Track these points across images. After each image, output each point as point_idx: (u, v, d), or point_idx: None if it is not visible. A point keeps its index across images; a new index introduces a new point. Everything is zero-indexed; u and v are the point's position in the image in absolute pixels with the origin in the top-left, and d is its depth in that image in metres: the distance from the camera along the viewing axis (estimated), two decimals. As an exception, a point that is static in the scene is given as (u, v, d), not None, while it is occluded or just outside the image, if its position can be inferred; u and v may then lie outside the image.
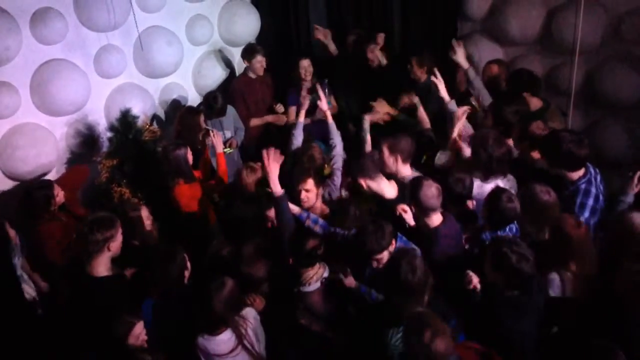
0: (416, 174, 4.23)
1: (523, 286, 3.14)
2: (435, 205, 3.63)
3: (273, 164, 3.83)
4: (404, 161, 4.26)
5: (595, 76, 5.93)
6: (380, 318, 3.15)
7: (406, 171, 4.27)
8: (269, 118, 6.29)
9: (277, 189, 3.82)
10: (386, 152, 4.25)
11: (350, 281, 3.50)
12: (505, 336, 3.12)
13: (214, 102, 5.59)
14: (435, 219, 3.66)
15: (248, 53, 6.16)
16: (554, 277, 3.39)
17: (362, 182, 4.11)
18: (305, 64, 6.06)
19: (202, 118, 5.36)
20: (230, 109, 5.88)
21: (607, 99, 5.86)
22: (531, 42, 6.18)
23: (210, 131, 5.14)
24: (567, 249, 3.37)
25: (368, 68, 6.04)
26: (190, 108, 5.62)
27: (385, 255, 3.43)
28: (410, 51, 6.08)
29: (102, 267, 3.62)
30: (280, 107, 6.24)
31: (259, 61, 6.10)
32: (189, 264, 3.59)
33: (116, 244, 3.66)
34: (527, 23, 6.06)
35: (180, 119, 5.44)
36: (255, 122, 6.20)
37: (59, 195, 4.50)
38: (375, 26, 6.58)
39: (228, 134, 5.81)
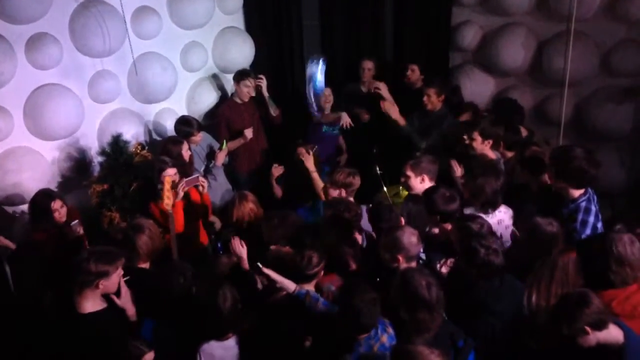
0: None
1: (495, 276, 3.34)
2: (419, 252, 3.61)
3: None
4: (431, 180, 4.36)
5: (584, 107, 6.02)
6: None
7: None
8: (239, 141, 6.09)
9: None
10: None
11: None
12: (489, 323, 3.30)
13: (188, 126, 5.58)
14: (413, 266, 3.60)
15: (238, 75, 6.12)
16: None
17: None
18: (326, 92, 6.21)
19: (185, 147, 5.28)
20: (203, 134, 5.82)
21: (596, 130, 5.95)
22: (522, 73, 6.29)
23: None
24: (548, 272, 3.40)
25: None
26: (174, 139, 5.49)
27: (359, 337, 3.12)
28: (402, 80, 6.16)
29: (89, 302, 3.44)
30: (249, 132, 6.02)
31: (246, 85, 6.03)
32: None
33: (109, 284, 3.44)
34: (517, 55, 6.16)
35: (163, 149, 5.30)
36: (232, 144, 6.04)
37: (59, 208, 4.58)
38: (367, 56, 6.66)
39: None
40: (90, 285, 3.41)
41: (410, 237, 3.52)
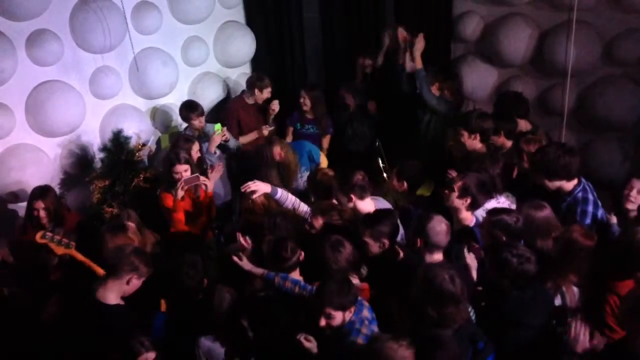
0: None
1: (529, 285, 3.20)
2: (444, 242, 3.51)
3: None
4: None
5: (587, 97, 5.98)
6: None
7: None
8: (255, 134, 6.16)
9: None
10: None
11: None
12: (519, 335, 3.16)
13: (187, 110, 5.62)
14: (437, 257, 3.52)
15: (259, 81, 6.07)
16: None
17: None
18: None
19: (196, 147, 5.26)
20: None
21: (599, 120, 5.91)
22: (524, 63, 6.24)
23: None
24: (574, 260, 3.37)
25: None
26: (186, 136, 5.51)
27: (339, 317, 3.11)
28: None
29: (112, 294, 3.43)
30: (266, 129, 6.07)
31: (268, 91, 6.05)
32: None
33: (133, 283, 3.44)
34: (519, 45, 6.11)
35: (175, 144, 5.32)
36: (246, 139, 6.14)
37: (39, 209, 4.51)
38: (368, 48, 6.63)
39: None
40: (121, 278, 3.40)
41: (435, 224, 3.48)
